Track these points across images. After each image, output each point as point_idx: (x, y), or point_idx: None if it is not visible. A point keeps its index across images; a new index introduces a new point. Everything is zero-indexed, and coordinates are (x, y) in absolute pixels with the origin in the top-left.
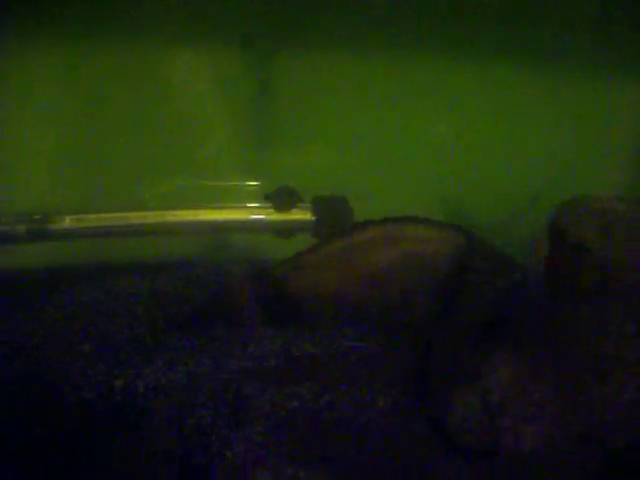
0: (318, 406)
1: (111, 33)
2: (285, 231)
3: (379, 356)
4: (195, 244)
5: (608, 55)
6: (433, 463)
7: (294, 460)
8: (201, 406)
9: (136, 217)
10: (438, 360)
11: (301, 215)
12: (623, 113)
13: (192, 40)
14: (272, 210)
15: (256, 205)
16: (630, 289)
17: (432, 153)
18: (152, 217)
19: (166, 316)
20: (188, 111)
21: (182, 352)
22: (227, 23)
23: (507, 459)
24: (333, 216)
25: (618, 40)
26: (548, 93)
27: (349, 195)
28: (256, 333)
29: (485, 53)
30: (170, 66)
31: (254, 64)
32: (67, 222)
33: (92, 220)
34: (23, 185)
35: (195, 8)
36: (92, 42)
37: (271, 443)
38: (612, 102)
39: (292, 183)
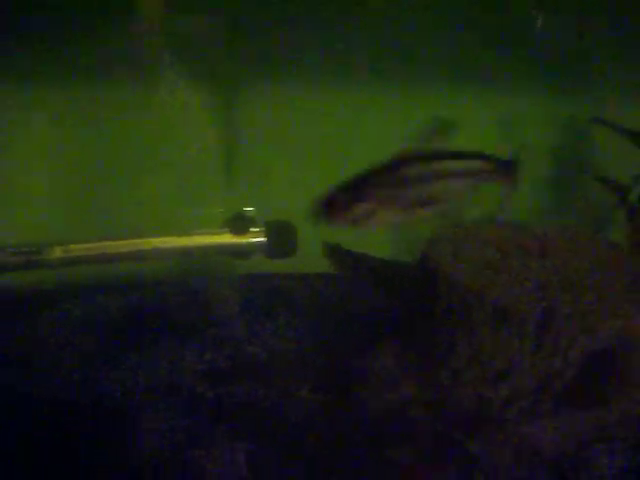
0: None
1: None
2: (242, 253)
3: None
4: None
5: None
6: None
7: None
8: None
9: (116, 246)
10: None
11: (255, 238)
12: None
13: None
14: (230, 235)
15: (217, 230)
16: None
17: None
18: (129, 245)
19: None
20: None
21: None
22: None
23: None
24: (282, 238)
25: None
26: None
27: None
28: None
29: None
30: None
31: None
32: (58, 252)
33: (79, 249)
34: (21, 220)
35: None
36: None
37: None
38: None
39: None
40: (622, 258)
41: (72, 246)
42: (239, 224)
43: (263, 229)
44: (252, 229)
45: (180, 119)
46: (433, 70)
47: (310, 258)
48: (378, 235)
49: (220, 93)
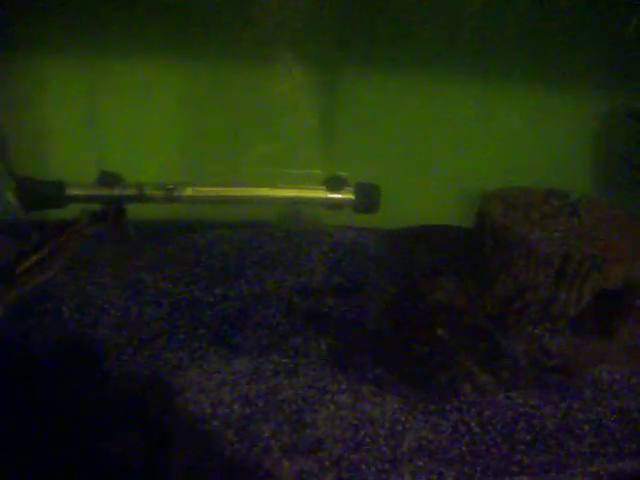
0: None
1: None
2: (334, 206)
3: None
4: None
5: None
6: None
7: None
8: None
9: (234, 191)
10: None
11: (346, 195)
12: None
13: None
14: (326, 191)
15: (316, 188)
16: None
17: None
18: (245, 191)
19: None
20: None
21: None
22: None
23: None
24: (368, 197)
25: None
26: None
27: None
28: None
29: None
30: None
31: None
32: (189, 191)
33: (207, 191)
34: (159, 164)
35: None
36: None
37: None
38: None
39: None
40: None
41: (200, 188)
42: (334, 183)
43: (353, 188)
44: (344, 188)
45: (290, 97)
46: None
47: (390, 216)
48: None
49: (325, 74)
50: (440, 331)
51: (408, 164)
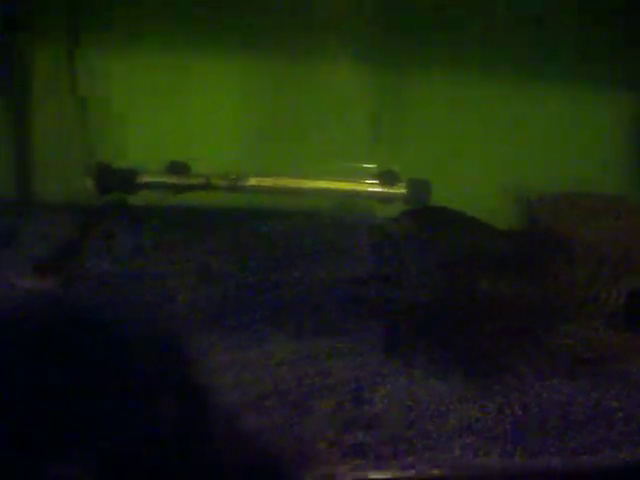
0: None
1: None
2: (387, 200)
3: None
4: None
5: None
6: None
7: None
8: None
9: (293, 182)
10: None
11: (398, 190)
12: None
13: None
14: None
15: (370, 181)
16: None
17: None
18: (303, 183)
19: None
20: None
21: None
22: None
23: None
24: (419, 192)
25: None
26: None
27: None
28: None
29: None
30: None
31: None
32: (252, 182)
33: (268, 182)
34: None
35: None
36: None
37: None
38: None
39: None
40: None
41: (262, 178)
42: (387, 177)
43: (404, 183)
44: (396, 183)
45: (350, 96)
46: None
47: None
48: None
49: (380, 74)
50: (485, 324)
51: (458, 161)
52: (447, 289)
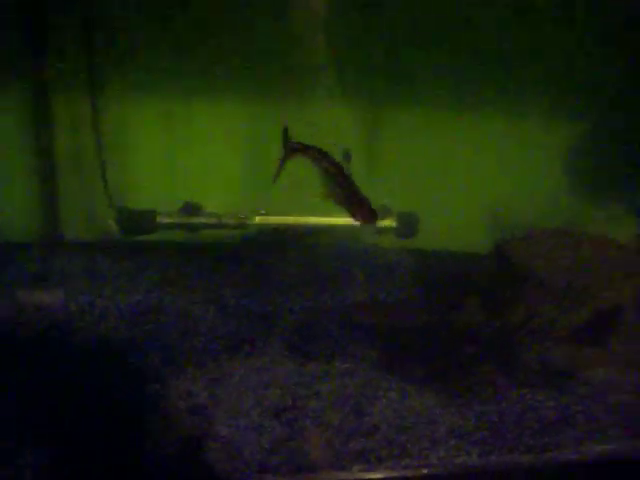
0: None
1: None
2: (379, 231)
3: None
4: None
5: None
6: None
7: None
8: None
9: (293, 219)
10: None
11: (389, 223)
12: None
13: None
14: None
15: None
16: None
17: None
18: (303, 220)
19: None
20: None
21: None
22: None
23: None
24: (407, 224)
25: None
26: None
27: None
28: None
29: None
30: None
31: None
32: (257, 220)
33: (272, 219)
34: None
35: None
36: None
37: None
38: None
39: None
40: (629, 256)
41: (265, 217)
42: (380, 212)
43: (395, 217)
44: (388, 216)
45: (337, 130)
46: None
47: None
48: None
49: (367, 109)
50: (467, 345)
51: (443, 193)
52: (432, 316)
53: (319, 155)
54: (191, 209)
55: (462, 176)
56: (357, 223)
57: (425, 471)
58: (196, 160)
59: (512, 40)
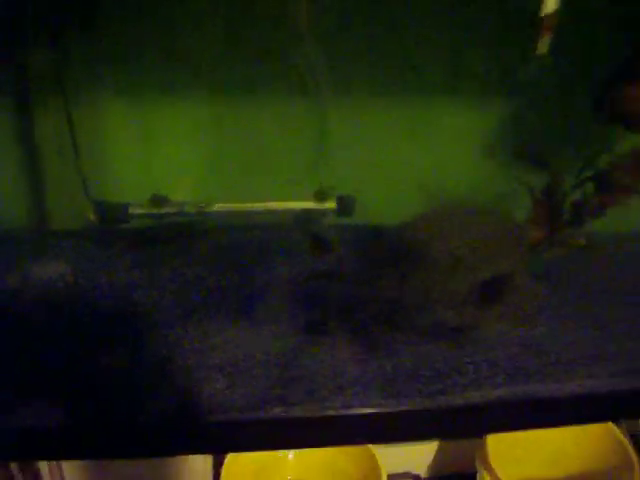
0: None
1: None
2: (322, 214)
3: None
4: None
5: None
6: None
7: None
8: None
9: (248, 206)
10: None
11: (330, 205)
12: None
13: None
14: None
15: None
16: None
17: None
18: (257, 206)
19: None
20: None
21: None
22: None
23: None
24: (344, 206)
25: None
26: None
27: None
28: None
29: None
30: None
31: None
32: (216, 207)
33: (226, 207)
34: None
35: None
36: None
37: None
38: None
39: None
40: (520, 233)
41: (222, 204)
42: (321, 195)
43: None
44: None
45: (288, 127)
46: None
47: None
48: None
49: (321, 105)
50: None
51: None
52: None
53: None
54: (159, 200)
55: (394, 156)
56: (305, 206)
57: (332, 412)
58: (162, 155)
59: None
